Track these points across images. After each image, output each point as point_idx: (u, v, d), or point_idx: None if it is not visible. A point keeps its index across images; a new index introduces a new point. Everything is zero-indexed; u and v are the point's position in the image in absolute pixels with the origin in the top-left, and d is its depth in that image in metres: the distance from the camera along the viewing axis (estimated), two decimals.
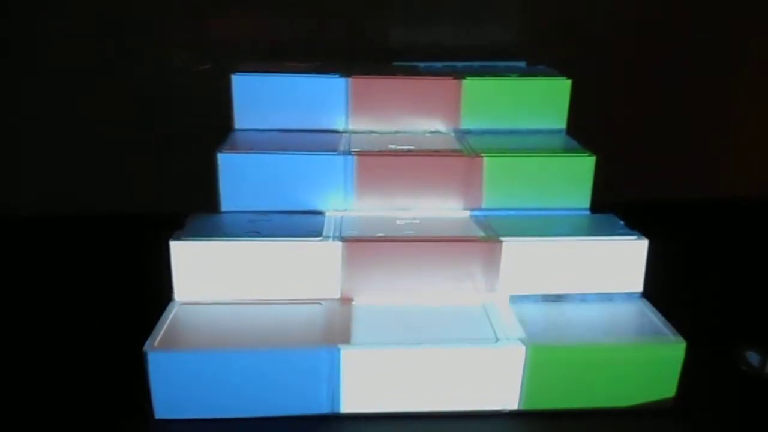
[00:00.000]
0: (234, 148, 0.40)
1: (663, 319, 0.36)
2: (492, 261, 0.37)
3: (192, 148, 0.46)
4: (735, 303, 0.45)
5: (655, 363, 0.34)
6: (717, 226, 0.57)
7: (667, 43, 0.58)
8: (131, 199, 0.56)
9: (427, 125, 0.45)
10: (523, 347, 0.33)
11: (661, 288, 0.38)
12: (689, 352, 0.33)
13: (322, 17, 0.55)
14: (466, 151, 0.41)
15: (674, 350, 0.33)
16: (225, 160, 0.40)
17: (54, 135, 0.56)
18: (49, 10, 0.53)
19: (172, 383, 0.32)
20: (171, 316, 0.35)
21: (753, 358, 0.38)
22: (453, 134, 0.45)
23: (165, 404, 0.32)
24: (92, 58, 0.54)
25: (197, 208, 0.40)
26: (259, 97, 0.43)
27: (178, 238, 0.36)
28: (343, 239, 0.36)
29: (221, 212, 0.40)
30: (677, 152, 0.61)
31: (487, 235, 0.37)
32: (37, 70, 0.54)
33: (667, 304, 0.36)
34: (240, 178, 0.40)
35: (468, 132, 0.45)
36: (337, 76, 0.44)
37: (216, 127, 0.43)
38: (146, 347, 0.32)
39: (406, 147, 0.41)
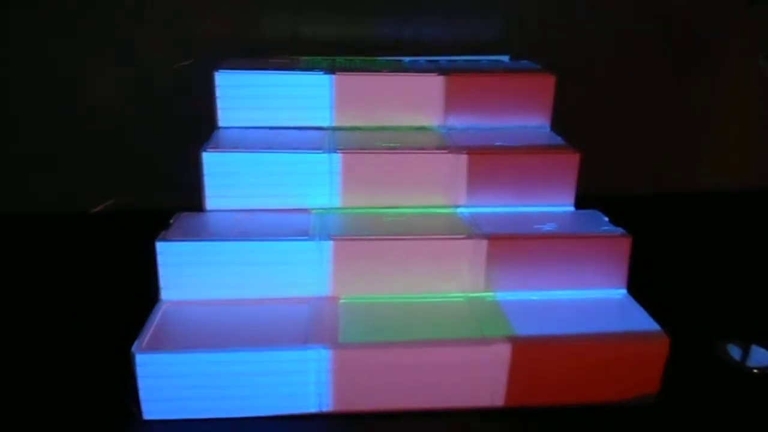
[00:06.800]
0: (218, 146, 0.40)
1: (646, 314, 0.36)
2: (477, 258, 0.37)
3: (175, 147, 0.46)
4: (716, 297, 0.45)
5: (639, 358, 0.34)
6: (698, 219, 0.58)
7: (649, 39, 0.58)
8: (116, 198, 0.56)
9: (411, 121, 0.45)
10: (509, 344, 0.33)
11: (644, 283, 0.38)
12: (672, 346, 0.34)
13: (306, 13, 0.54)
14: (451, 148, 0.41)
15: (658, 346, 0.34)
16: (210, 159, 0.39)
17: (35, 135, 0.55)
18: (32, 8, 0.51)
19: (161, 384, 0.32)
20: (158, 316, 0.35)
21: (735, 351, 0.39)
22: (438, 130, 0.45)
23: (153, 405, 0.32)
24: (74, 57, 0.53)
25: (182, 207, 0.40)
26: (243, 95, 0.43)
27: (164, 239, 0.36)
28: (330, 238, 0.36)
29: (206, 211, 0.40)
30: (659, 147, 0.62)
31: (473, 232, 0.38)
32: (18, 69, 0.53)
33: (651, 299, 0.37)
34: (225, 176, 0.40)
35: (453, 128, 0.45)
36: (322, 72, 0.43)
37: (200, 125, 0.43)
38: (134, 348, 0.32)
39: (391, 144, 0.41)
